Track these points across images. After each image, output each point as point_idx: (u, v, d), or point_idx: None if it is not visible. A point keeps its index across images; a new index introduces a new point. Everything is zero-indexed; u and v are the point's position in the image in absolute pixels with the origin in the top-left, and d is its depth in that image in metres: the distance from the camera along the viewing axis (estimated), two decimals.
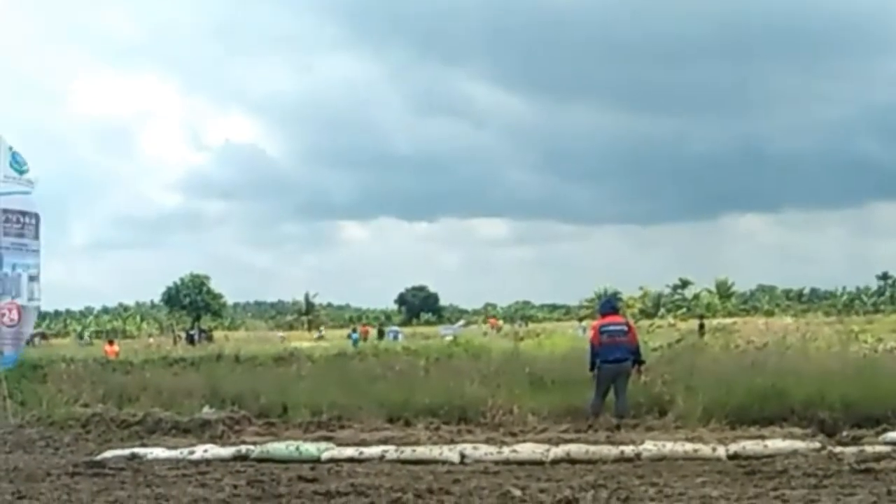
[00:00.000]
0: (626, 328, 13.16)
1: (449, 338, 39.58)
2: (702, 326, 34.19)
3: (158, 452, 11.24)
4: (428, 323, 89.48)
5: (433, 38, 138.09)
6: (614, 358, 12.76)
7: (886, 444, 9.99)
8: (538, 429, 12.40)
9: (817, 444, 10.14)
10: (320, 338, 56.44)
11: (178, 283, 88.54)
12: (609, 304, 14.04)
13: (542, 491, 8.20)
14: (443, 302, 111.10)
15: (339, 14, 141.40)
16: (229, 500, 8.33)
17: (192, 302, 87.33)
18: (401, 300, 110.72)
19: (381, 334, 55.77)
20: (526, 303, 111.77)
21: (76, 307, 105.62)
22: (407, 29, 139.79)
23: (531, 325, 63.25)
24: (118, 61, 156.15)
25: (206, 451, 11.13)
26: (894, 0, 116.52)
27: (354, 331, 52.84)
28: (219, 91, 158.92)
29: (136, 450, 11.43)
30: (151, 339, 49.91)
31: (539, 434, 11.96)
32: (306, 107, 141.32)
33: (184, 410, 14.14)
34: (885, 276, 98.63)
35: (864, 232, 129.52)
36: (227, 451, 11.07)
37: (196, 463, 10.53)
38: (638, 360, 13.02)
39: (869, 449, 9.78)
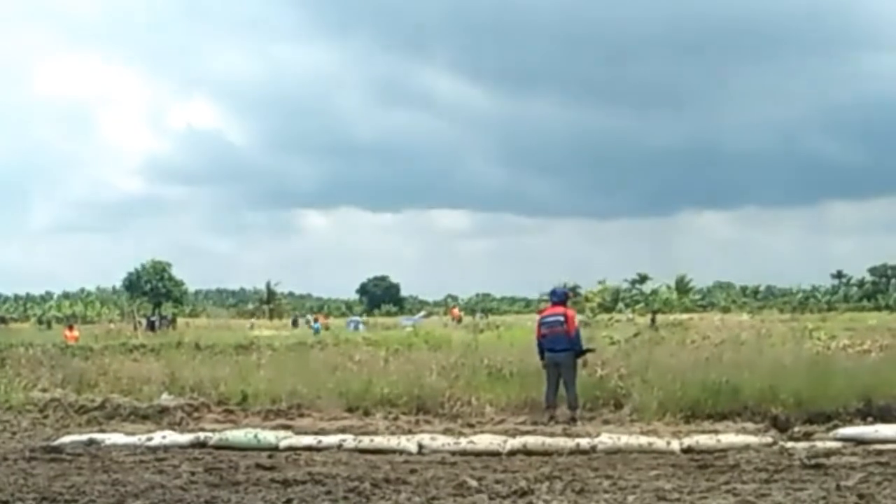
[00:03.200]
0: (562, 318, 13.00)
1: (409, 329, 39.62)
2: (654, 321, 34.60)
3: (116, 438, 11.23)
4: (389, 313, 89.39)
5: (395, 28, 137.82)
6: (551, 348, 12.83)
7: (837, 440, 10.13)
8: (496, 420, 12.50)
9: (769, 439, 10.30)
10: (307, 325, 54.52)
11: (140, 269, 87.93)
12: (555, 295, 13.78)
13: (498, 482, 8.27)
14: (404, 293, 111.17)
15: (302, 1, 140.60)
16: (186, 487, 8.32)
17: (153, 288, 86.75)
18: (362, 290, 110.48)
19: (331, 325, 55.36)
20: (486, 295, 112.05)
21: (36, 291, 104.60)
22: (369, 18, 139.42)
23: (491, 318, 63.38)
24: (79, 44, 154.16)
25: (164, 437, 11.13)
26: None
27: (316, 320, 52.67)
28: (181, 76, 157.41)
29: (94, 435, 11.42)
30: (112, 325, 49.45)
31: (496, 425, 12.07)
32: (269, 94, 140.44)
33: (143, 397, 14.15)
34: (839, 275, 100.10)
35: (819, 231, 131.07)
36: (185, 438, 11.08)
37: (154, 449, 10.53)
38: (581, 350, 13.01)
39: (820, 445, 9.96)
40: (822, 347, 17.04)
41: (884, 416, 11.13)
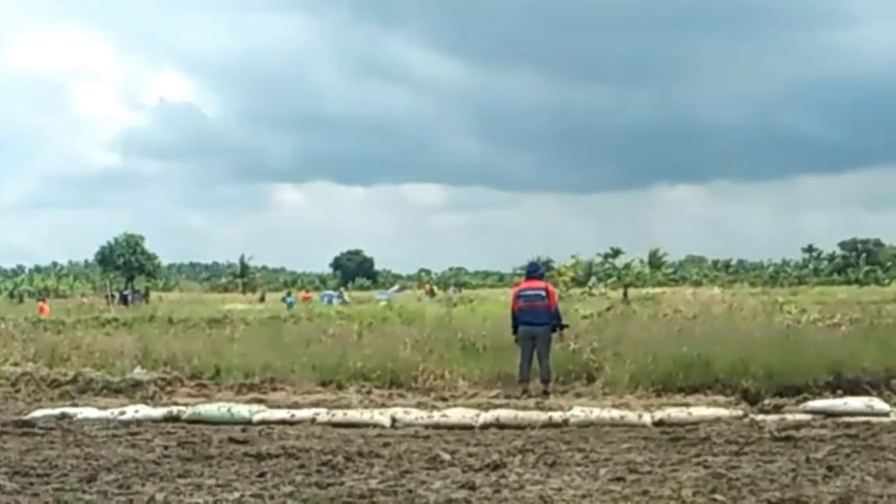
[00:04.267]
0: (543, 293, 13.12)
1: (383, 303, 39.60)
2: (626, 295, 34.80)
3: (89, 412, 11.20)
4: (363, 287, 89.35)
5: (368, 1, 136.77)
6: (530, 321, 12.85)
7: (806, 412, 10.23)
8: (469, 394, 12.58)
9: (740, 412, 10.39)
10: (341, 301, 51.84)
11: (112, 242, 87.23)
12: (533, 268, 13.92)
13: (470, 455, 8.31)
14: (378, 267, 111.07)
15: None
16: (159, 461, 8.31)
17: (126, 262, 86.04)
18: (336, 264, 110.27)
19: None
20: (460, 269, 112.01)
21: (8, 265, 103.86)
22: None
23: (465, 292, 63.45)
24: (51, 17, 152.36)
25: (136, 411, 11.11)
26: None
27: (289, 294, 52.48)
28: (154, 49, 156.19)
29: (67, 409, 11.40)
30: (84, 299, 49.07)
31: (469, 399, 12.14)
32: (242, 67, 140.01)
33: (115, 371, 14.09)
34: (810, 249, 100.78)
35: (790, 205, 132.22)
36: (158, 412, 11.07)
37: (126, 423, 10.52)
38: (559, 325, 13.12)
39: (790, 417, 10.06)
40: (792, 321, 17.15)
41: (852, 389, 11.30)
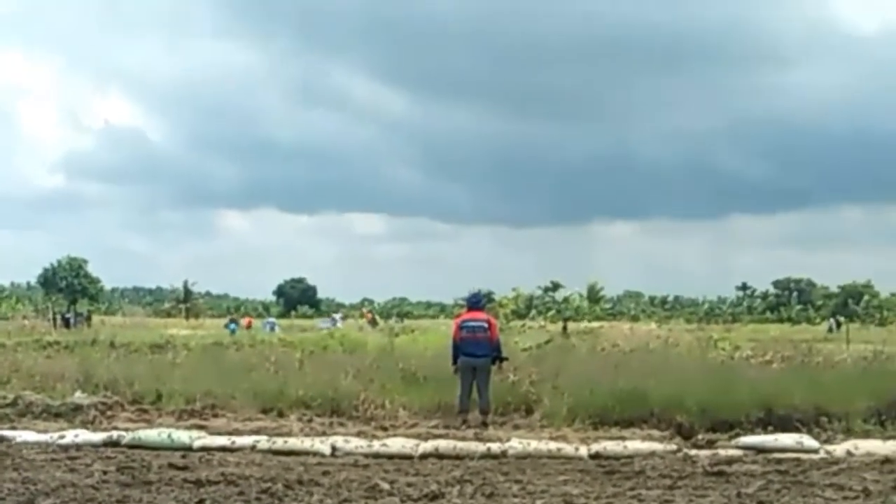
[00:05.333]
0: (486, 325, 13.17)
1: (325, 331, 39.48)
2: (565, 328, 35.14)
3: (28, 436, 11.14)
4: (305, 315, 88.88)
5: (313, 30, 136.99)
6: (471, 353, 12.93)
7: (738, 448, 10.43)
8: (409, 423, 12.62)
9: (674, 447, 10.57)
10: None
11: (55, 265, 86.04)
12: (475, 300, 13.92)
13: (409, 485, 8.41)
14: (321, 295, 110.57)
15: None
16: (98, 486, 8.31)
17: (68, 285, 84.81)
18: (279, 292, 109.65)
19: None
20: (402, 299, 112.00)
21: None
22: (290, 18, 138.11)
23: (407, 322, 63.43)
24: None
25: (76, 435, 11.06)
26: (754, 14, 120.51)
27: (233, 321, 51.91)
28: (99, 71, 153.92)
29: (5, 433, 11.31)
30: (26, 321, 48.17)
31: (409, 429, 12.20)
32: (188, 92, 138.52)
33: (56, 394, 13.96)
34: (744, 287, 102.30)
35: (725, 243, 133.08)
36: (98, 437, 11.02)
37: (66, 448, 10.47)
38: (499, 358, 13.20)
39: (722, 452, 10.25)
40: (726, 357, 17.46)
41: (783, 426, 11.45)
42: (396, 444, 10.60)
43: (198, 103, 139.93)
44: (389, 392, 13.66)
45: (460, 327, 13.29)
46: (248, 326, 51.29)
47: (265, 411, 13.27)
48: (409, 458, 10.11)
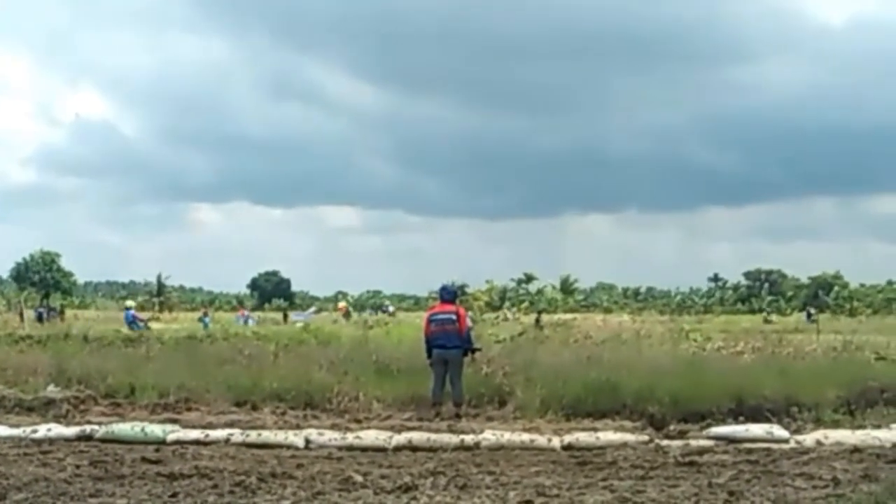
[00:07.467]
0: (454, 317, 13.21)
1: (300, 324, 39.35)
2: (538, 321, 35.19)
3: (0, 430, 11.03)
4: (279, 309, 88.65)
5: (286, 24, 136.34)
6: (442, 345, 13.00)
7: (710, 438, 10.49)
8: (382, 416, 12.65)
9: (646, 437, 10.63)
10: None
11: (28, 259, 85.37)
12: (446, 292, 13.96)
13: (383, 477, 8.42)
14: (295, 288, 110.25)
15: None
16: (71, 480, 8.26)
17: (41, 279, 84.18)
18: (253, 285, 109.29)
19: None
20: (377, 292, 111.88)
21: None
22: (262, 12, 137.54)
23: (381, 315, 63.35)
24: None
25: (49, 430, 10.99)
26: (724, 9, 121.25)
27: (206, 314, 51.60)
28: (70, 65, 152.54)
29: None
30: None
31: (383, 421, 12.22)
32: (160, 86, 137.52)
33: (28, 388, 13.86)
34: (715, 278, 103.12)
35: (696, 235, 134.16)
36: (70, 431, 10.96)
37: (39, 442, 10.41)
38: (470, 349, 13.29)
39: (693, 443, 10.32)
40: (697, 349, 17.59)
41: (754, 416, 11.53)
42: (370, 436, 10.60)
43: (170, 97, 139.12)
44: (363, 384, 13.66)
45: (430, 321, 13.36)
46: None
47: (239, 404, 13.24)
48: (382, 450, 10.12)
